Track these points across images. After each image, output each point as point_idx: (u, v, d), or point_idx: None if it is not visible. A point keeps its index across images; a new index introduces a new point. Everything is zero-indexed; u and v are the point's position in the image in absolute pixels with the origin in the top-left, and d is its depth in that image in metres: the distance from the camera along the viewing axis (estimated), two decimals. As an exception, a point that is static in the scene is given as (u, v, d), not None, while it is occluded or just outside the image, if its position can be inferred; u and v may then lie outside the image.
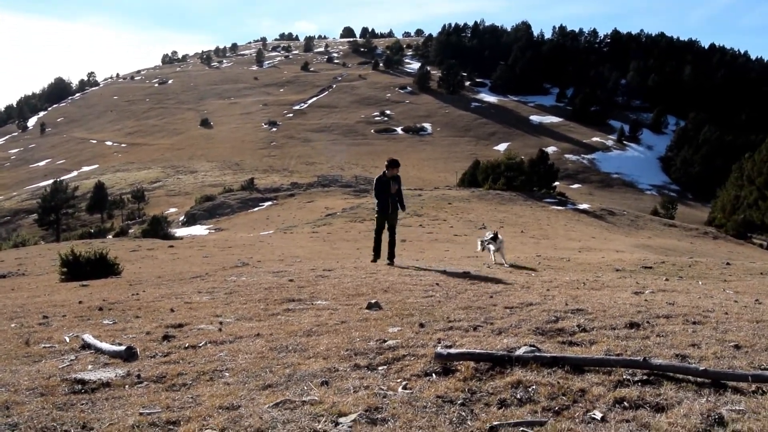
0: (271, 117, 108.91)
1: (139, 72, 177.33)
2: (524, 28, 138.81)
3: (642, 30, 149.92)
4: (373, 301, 5.35)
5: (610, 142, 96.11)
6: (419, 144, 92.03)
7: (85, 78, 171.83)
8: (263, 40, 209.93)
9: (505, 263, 9.47)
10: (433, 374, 3.29)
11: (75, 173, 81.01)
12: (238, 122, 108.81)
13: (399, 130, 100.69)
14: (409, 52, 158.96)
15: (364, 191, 54.70)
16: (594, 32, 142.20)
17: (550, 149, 77.02)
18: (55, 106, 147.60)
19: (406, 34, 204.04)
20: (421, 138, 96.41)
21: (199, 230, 37.93)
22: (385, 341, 3.95)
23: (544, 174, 50.78)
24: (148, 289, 7.24)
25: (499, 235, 10.01)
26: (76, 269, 9.57)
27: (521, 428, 2.59)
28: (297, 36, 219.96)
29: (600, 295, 5.71)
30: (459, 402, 2.89)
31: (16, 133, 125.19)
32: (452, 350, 3.52)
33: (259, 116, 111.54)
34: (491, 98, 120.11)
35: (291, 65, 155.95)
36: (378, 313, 4.96)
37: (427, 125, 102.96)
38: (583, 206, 40.95)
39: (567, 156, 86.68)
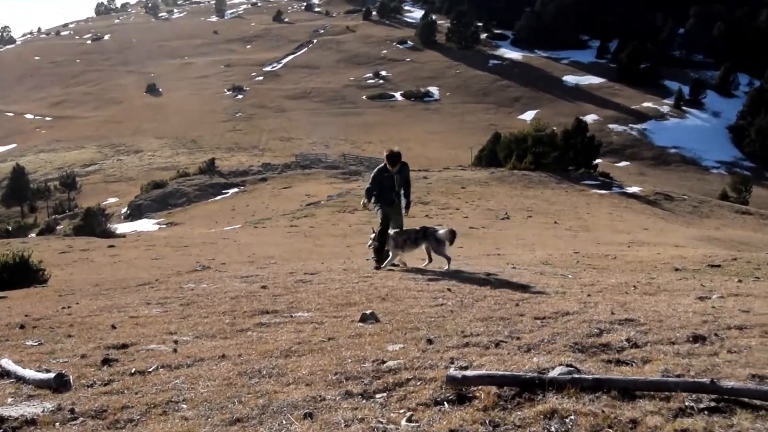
0: (236, 81, 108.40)
1: (66, 26, 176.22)
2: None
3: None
4: (368, 311, 5.39)
5: (665, 108, 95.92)
6: (424, 113, 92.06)
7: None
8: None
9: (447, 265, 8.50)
10: (445, 403, 3.30)
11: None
12: (194, 88, 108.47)
13: (398, 95, 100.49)
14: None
15: (355, 174, 54.64)
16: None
17: (590, 118, 76.86)
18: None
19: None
20: (426, 106, 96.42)
21: (146, 225, 37.88)
22: (383, 362, 3.98)
23: (582, 149, 50.76)
24: (83, 300, 7.26)
25: (440, 231, 8.79)
26: (-9, 277, 9.56)
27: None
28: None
29: (655, 301, 5.75)
30: (478, 437, 2.90)
31: None
32: (469, 372, 3.53)
33: (220, 80, 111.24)
34: (514, 54, 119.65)
35: (260, 15, 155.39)
36: (374, 327, 5.00)
37: (434, 89, 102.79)
38: (633, 189, 41.06)
39: (611, 126, 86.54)
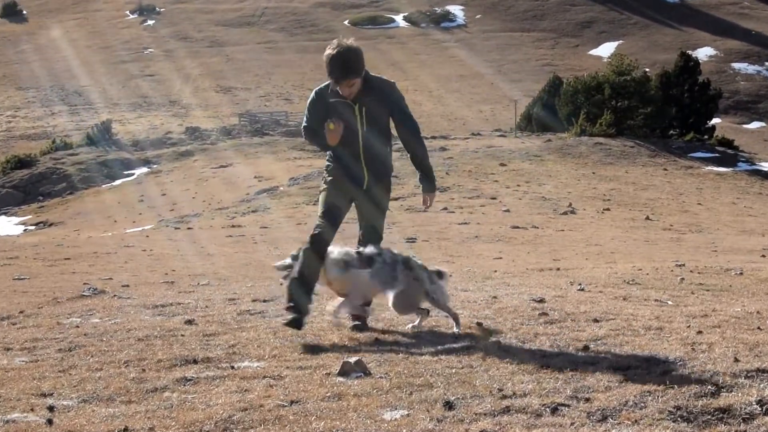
0: None
1: None
2: None
3: None
4: (352, 359, 5.43)
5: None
6: (440, 48, 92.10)
7: None
8: None
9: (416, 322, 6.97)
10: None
11: None
12: (77, 10, 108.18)
13: (399, 20, 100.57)
14: None
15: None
16: None
17: (702, 53, 76.98)
18: None
19: None
20: (445, 35, 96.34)
21: (4, 226, 38.00)
22: (377, 440, 4.01)
23: (689, 103, 50.63)
24: None
25: (382, 254, 6.87)
26: None
27: None
28: None
29: (803, 343, 5.79)
30: None
31: None
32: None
33: None
34: None
35: None
36: (363, 384, 5.04)
37: (456, 9, 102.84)
38: (770, 166, 41.23)
39: (736, 66, 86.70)
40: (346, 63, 6.67)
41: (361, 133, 6.88)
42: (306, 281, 6.78)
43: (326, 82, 6.96)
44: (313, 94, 7.01)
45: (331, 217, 6.93)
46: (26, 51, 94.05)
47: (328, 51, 6.71)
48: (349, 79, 6.72)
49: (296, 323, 6.63)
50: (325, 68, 6.77)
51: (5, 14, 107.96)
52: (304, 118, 7.10)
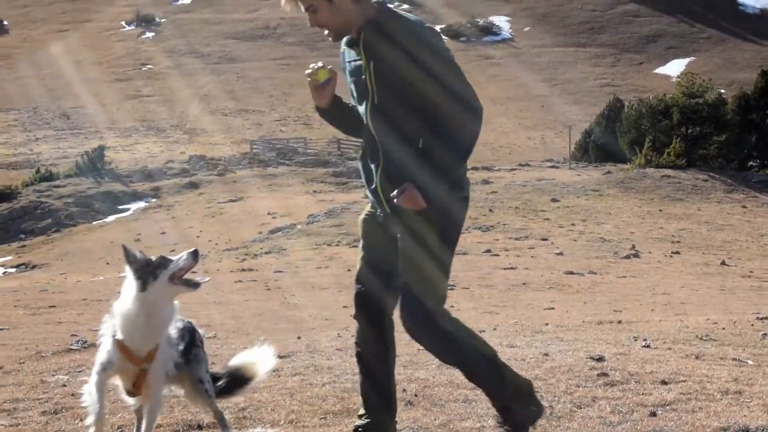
0: (143, 7, 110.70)
1: None
2: None
3: None
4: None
5: None
6: (483, 64, 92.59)
7: None
8: None
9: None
10: None
11: None
12: (67, 20, 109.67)
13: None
14: None
15: (358, 174, 54.29)
16: None
17: None
18: None
19: None
20: (488, 50, 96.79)
21: None
22: None
23: None
24: None
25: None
26: None
27: None
28: None
29: None
30: None
31: None
32: None
33: (115, 5, 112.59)
34: None
35: None
36: None
37: (502, 20, 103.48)
38: None
39: None
40: None
41: (368, 109, 5.00)
42: (370, 372, 5.33)
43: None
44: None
45: (370, 259, 5.26)
46: (6, 67, 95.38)
47: None
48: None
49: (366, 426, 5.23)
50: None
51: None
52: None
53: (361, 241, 5.31)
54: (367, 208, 5.24)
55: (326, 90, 5.04)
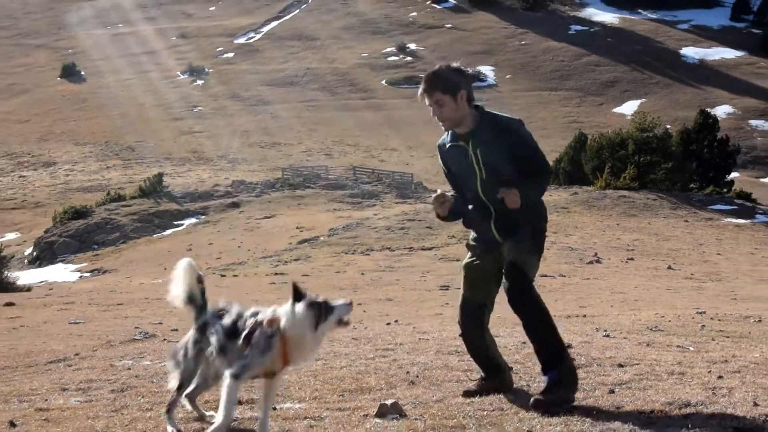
0: (194, 60, 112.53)
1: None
2: None
3: None
4: (389, 401, 5.87)
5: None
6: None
7: None
8: None
9: None
10: None
11: None
12: (132, 71, 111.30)
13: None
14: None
15: (370, 196, 56.99)
16: None
17: (721, 110, 79.84)
18: None
19: None
20: (477, 93, 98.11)
21: (61, 273, 40.25)
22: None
23: (709, 158, 52.50)
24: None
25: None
26: None
27: None
28: None
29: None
30: None
31: None
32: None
33: (171, 58, 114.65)
34: (606, 16, 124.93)
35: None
36: (399, 425, 5.48)
37: (487, 70, 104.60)
38: (788, 218, 42.65)
39: (753, 123, 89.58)
40: (434, 74, 6.18)
41: (479, 180, 6.25)
42: (475, 350, 6.74)
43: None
44: (437, 149, 6.61)
45: (470, 294, 6.67)
46: (83, 109, 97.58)
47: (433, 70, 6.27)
48: (433, 92, 6.12)
49: (479, 392, 6.45)
50: (422, 85, 6.27)
51: (65, 74, 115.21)
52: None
53: (463, 281, 6.60)
54: (468, 255, 6.60)
55: (445, 205, 6.27)
